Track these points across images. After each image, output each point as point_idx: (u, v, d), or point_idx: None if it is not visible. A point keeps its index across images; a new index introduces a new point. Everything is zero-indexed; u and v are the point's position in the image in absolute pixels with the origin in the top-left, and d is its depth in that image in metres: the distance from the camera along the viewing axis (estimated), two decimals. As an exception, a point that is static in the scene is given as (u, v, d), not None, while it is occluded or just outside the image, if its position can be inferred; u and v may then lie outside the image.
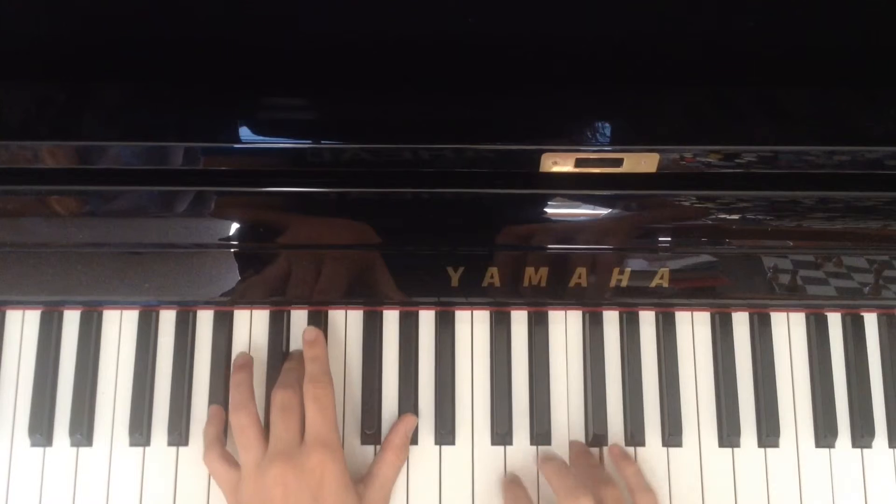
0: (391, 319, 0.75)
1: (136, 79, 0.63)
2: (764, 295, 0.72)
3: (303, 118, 0.64)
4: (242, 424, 0.67)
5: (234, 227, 0.67)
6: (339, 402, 0.73)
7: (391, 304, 0.74)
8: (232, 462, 0.68)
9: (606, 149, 0.61)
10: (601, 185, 0.65)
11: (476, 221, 0.67)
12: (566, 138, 0.61)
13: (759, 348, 0.75)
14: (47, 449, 0.72)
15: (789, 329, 0.76)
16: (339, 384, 0.74)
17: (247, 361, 0.72)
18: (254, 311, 0.75)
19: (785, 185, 0.65)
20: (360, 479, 0.69)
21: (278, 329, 0.74)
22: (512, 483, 0.71)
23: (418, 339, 0.74)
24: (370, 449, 0.72)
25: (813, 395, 0.74)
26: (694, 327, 0.76)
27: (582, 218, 0.67)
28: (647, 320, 0.75)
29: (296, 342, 0.74)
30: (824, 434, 0.73)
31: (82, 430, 0.72)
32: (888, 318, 0.76)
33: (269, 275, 0.69)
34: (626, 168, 0.62)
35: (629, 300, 0.73)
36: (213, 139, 0.62)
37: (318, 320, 0.74)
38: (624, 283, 0.70)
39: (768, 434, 0.73)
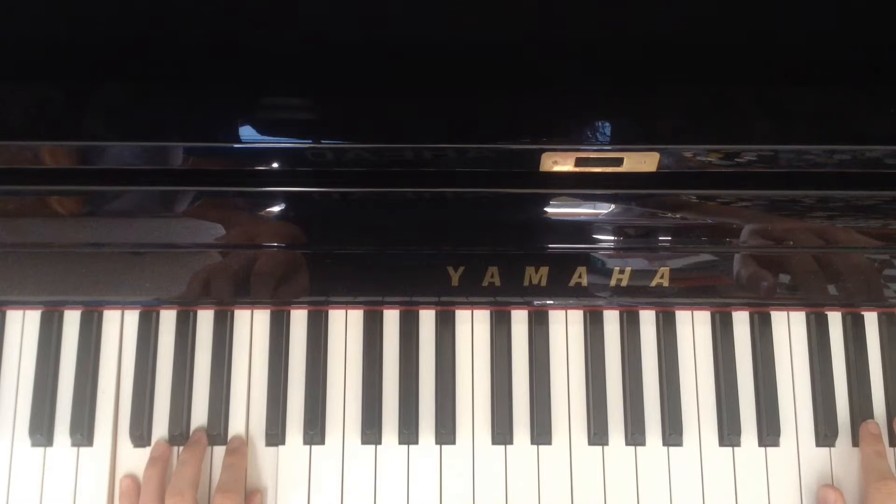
0: (391, 319, 0.75)
1: (135, 79, 0.63)
2: (764, 294, 0.72)
3: (304, 118, 0.64)
4: None
5: (235, 227, 0.67)
6: (340, 402, 0.73)
7: (392, 304, 0.74)
8: None
9: (606, 148, 0.61)
10: (601, 184, 0.65)
11: (476, 221, 0.67)
12: (566, 137, 0.61)
13: (759, 347, 0.75)
14: (48, 449, 0.72)
15: (790, 328, 0.76)
16: (339, 384, 0.74)
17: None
18: (254, 311, 0.75)
19: (785, 184, 0.65)
20: None
21: (279, 329, 0.74)
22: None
23: (419, 339, 0.74)
24: (370, 449, 0.73)
25: (813, 393, 0.74)
26: (694, 326, 0.76)
27: (582, 217, 0.67)
28: (648, 319, 0.75)
29: (296, 341, 0.74)
30: (825, 433, 0.73)
31: (83, 430, 0.72)
32: (888, 316, 0.76)
33: (270, 274, 0.69)
34: (626, 167, 0.62)
35: (630, 299, 0.73)
36: (214, 139, 0.62)
37: (319, 320, 0.74)
38: (624, 283, 0.70)
39: (769, 433, 0.73)
